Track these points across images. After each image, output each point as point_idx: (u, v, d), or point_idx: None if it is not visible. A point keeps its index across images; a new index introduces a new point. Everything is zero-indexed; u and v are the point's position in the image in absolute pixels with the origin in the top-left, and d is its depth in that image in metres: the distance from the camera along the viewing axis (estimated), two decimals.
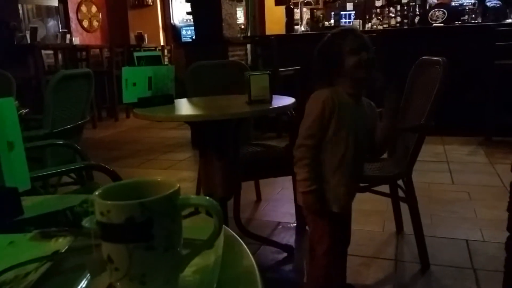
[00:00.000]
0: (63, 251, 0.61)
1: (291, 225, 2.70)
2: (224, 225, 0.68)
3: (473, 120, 4.51)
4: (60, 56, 6.43)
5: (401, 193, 2.22)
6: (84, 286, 0.53)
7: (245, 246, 0.64)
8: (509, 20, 5.33)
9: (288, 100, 2.02)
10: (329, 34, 1.54)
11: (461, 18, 5.74)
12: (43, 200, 0.88)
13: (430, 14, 5.88)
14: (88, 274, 0.54)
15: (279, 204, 3.05)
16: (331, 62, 1.48)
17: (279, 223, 2.74)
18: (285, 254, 2.34)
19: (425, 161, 3.59)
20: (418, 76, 2.21)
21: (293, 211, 2.72)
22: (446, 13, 5.72)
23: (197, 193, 2.61)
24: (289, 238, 2.55)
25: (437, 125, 1.97)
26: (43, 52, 6.15)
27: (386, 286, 2.04)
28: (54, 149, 2.22)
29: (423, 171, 3.25)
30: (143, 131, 5.97)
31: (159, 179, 0.52)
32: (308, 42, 5.07)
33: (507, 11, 5.62)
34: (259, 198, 3.13)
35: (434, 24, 5.64)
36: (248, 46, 4.91)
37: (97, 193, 0.49)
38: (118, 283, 0.48)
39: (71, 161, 2.12)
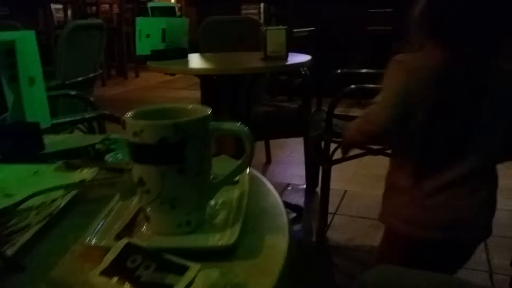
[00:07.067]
0: (89, 180, 0.61)
1: (301, 186, 2.71)
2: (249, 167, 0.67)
3: None
4: (69, 11, 6.33)
5: None
6: (113, 213, 0.52)
7: (270, 185, 0.64)
8: None
9: (304, 58, 1.97)
10: None
11: None
12: (63, 138, 0.88)
13: None
14: (116, 201, 0.53)
15: (289, 166, 3.05)
16: None
17: (288, 184, 2.75)
18: (294, 215, 2.36)
19: None
20: None
21: (302, 173, 2.72)
22: None
23: None
24: (299, 199, 2.56)
25: None
26: (52, 6, 6.05)
27: None
28: (66, 102, 2.21)
29: None
30: (152, 91, 5.93)
31: (190, 106, 0.50)
32: (324, 3, 4.99)
33: None
34: (268, 160, 3.13)
35: None
36: (262, 4, 4.79)
37: (129, 114, 0.47)
38: (149, 207, 0.47)
39: None
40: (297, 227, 2.34)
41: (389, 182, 1.15)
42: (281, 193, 2.57)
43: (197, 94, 4.96)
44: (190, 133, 0.45)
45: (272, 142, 3.07)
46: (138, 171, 0.46)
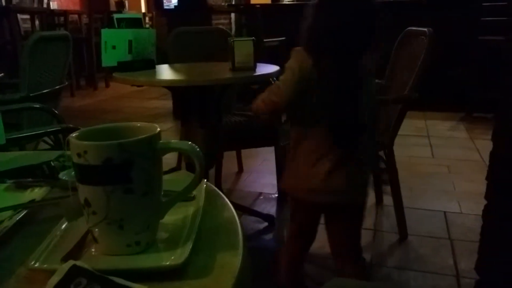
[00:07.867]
0: (38, 200, 0.59)
1: (273, 195, 2.71)
2: (206, 181, 0.67)
3: (455, 96, 4.57)
4: (37, 21, 6.21)
5: (382, 165, 2.24)
6: (60, 234, 0.51)
7: (226, 199, 0.63)
8: None
9: (272, 68, 1.99)
10: None
11: None
12: (18, 155, 0.85)
13: None
14: (65, 222, 0.52)
15: (261, 175, 3.05)
16: None
17: (260, 193, 2.75)
18: (266, 224, 2.36)
19: (407, 135, 3.62)
20: (403, 48, 2.20)
21: (274, 182, 2.73)
22: None
23: (178, 164, 2.59)
24: (270, 208, 2.56)
25: (420, 99, 1.95)
26: (19, 16, 5.91)
27: (364, 255, 2.07)
28: (31, 114, 2.15)
29: (404, 145, 3.29)
30: (122, 101, 5.86)
31: (138, 124, 0.50)
32: (294, 13, 5.03)
33: None
34: (240, 170, 3.12)
35: None
36: (232, 15, 4.81)
37: (73, 135, 0.46)
38: (96, 228, 0.46)
39: None
40: (268, 236, 2.34)
41: (288, 158, 1.40)
42: (253, 202, 2.60)
43: (168, 104, 4.95)
44: (136, 153, 0.44)
45: (243, 151, 3.08)
46: (83, 191, 0.45)
